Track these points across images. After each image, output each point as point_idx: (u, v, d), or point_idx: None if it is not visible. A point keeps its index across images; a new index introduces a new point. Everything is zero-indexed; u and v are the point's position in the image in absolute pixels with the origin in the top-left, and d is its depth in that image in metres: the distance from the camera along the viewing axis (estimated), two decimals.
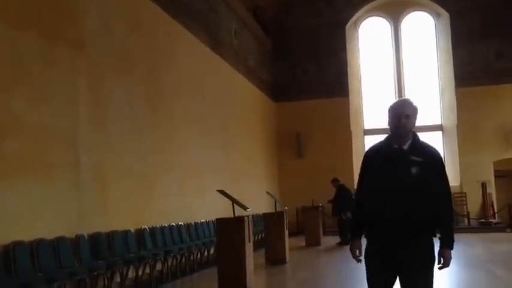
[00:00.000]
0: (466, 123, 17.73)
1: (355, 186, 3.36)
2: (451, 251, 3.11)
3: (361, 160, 3.32)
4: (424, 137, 19.53)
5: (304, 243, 13.66)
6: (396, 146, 3.13)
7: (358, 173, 3.37)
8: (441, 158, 3.20)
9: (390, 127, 3.15)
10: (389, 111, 3.16)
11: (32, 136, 6.34)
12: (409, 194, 3.02)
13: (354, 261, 3.30)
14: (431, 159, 3.10)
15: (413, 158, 3.06)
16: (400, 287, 3.12)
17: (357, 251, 3.22)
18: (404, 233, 3.01)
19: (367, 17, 19.94)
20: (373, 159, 3.22)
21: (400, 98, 3.25)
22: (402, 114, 3.08)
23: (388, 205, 3.04)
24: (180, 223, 9.79)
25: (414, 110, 3.14)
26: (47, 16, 6.80)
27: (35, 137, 6.39)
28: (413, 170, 3.04)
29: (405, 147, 3.12)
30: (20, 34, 6.27)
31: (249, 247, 7.39)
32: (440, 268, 3.12)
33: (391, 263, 3.07)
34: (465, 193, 17.55)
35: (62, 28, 7.09)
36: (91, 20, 7.79)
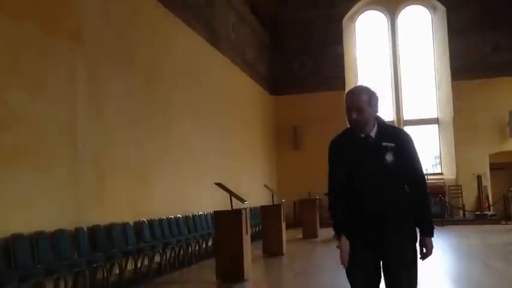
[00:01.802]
0: (462, 116, 17.79)
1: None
2: (432, 239, 2.90)
3: (328, 152, 3.03)
4: (420, 129, 19.37)
5: (301, 236, 13.71)
6: (363, 135, 2.90)
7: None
8: (413, 140, 2.95)
9: (347, 118, 2.93)
10: (345, 99, 2.94)
11: (30, 127, 6.35)
12: (387, 182, 2.82)
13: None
14: (404, 143, 2.89)
15: (385, 144, 2.84)
16: (384, 285, 2.91)
17: (348, 253, 2.86)
18: (388, 225, 2.81)
19: (363, 11, 19.96)
20: (341, 149, 2.95)
21: (355, 86, 3.00)
22: (352, 109, 2.87)
23: (368, 196, 2.81)
24: (178, 216, 9.83)
25: (370, 97, 2.91)
26: (44, 7, 6.78)
27: (33, 128, 6.40)
28: (388, 156, 2.82)
29: (372, 134, 2.90)
30: (18, 25, 6.26)
31: (246, 239, 7.43)
32: (423, 258, 2.93)
33: (377, 264, 2.87)
34: (461, 185, 17.69)
35: (60, 19, 7.09)
36: (89, 11, 7.78)
